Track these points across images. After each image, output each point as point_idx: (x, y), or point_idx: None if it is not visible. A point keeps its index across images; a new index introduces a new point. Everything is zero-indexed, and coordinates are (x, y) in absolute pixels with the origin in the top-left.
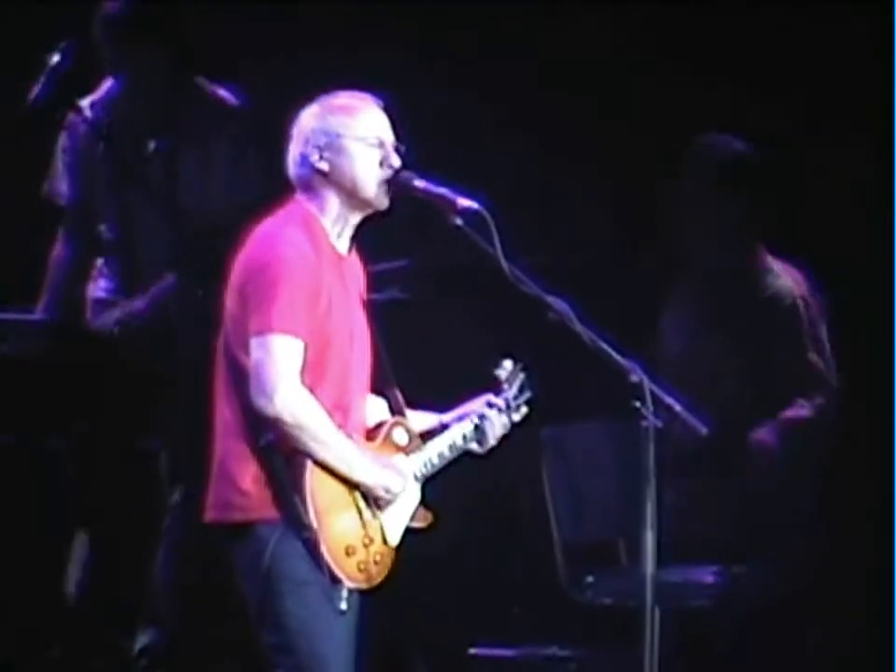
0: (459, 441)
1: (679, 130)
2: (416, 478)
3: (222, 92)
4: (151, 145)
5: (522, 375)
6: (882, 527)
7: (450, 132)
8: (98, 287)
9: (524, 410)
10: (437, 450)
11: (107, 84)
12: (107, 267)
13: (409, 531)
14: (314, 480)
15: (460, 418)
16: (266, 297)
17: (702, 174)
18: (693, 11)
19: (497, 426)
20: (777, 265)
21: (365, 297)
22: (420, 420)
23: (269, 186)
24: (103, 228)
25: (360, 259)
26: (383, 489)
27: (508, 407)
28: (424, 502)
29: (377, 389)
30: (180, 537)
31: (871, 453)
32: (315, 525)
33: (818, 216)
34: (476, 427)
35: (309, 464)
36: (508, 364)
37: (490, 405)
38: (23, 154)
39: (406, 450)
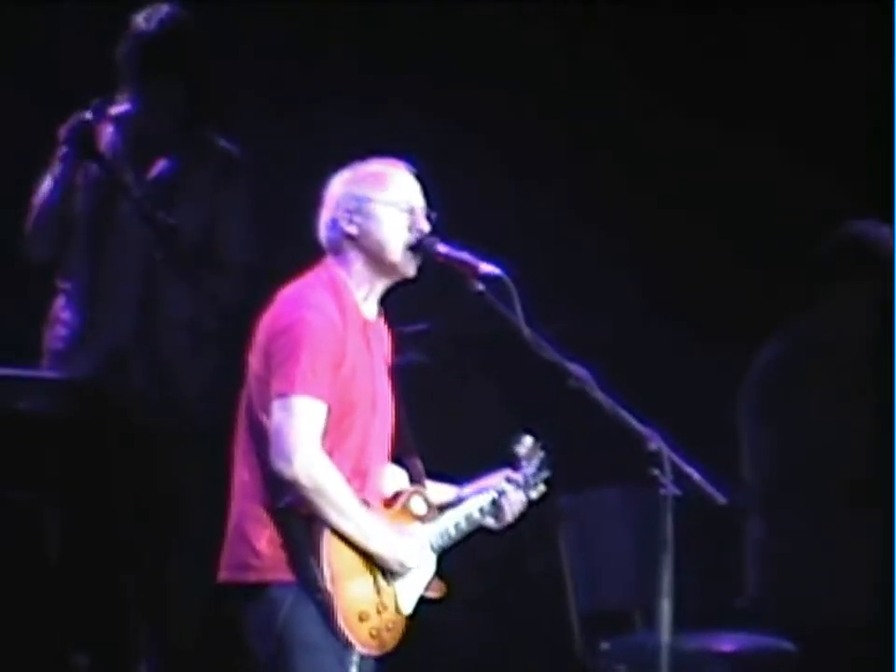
0: (476, 514)
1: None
2: (433, 548)
3: (229, 144)
4: (151, 176)
5: (541, 453)
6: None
7: (474, 197)
8: (56, 336)
9: (542, 488)
10: (454, 521)
11: (120, 108)
12: (66, 310)
13: (422, 600)
14: (331, 544)
15: (478, 492)
16: (290, 358)
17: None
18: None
19: (514, 502)
20: None
21: (390, 362)
22: (437, 491)
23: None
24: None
25: (387, 324)
26: (398, 564)
27: (526, 484)
28: (439, 572)
29: (398, 457)
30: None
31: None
32: (330, 588)
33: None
34: (493, 501)
35: (327, 528)
36: (528, 441)
37: (508, 480)
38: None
39: (423, 519)
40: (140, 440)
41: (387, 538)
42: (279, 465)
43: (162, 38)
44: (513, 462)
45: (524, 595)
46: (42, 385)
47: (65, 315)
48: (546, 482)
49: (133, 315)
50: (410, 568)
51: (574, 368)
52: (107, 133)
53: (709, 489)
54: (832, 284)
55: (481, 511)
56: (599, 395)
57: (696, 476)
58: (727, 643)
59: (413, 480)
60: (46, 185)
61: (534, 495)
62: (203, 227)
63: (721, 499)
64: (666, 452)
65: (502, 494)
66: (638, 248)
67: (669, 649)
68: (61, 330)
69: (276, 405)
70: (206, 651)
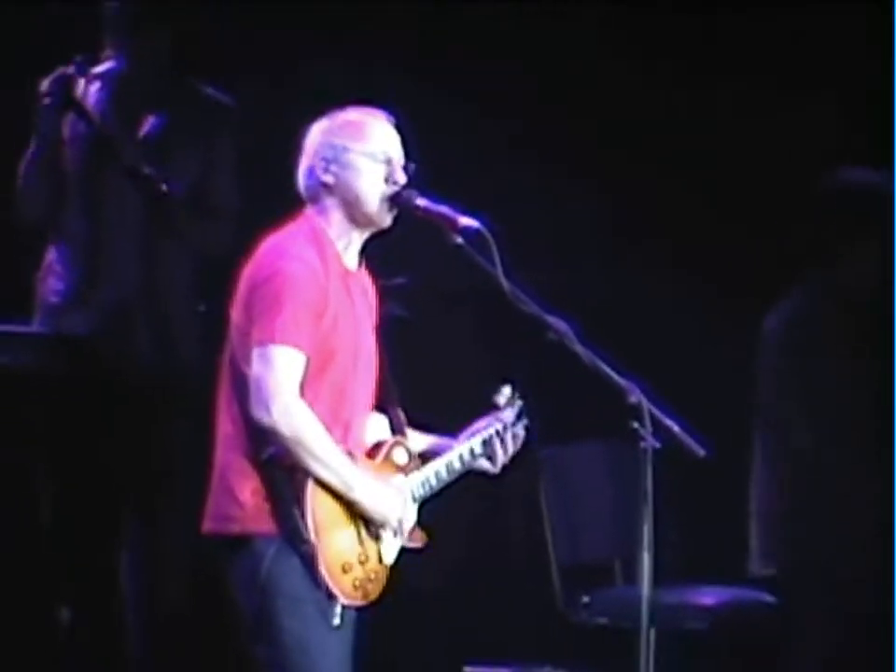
0: (460, 461)
1: (684, 141)
2: (414, 498)
3: (218, 93)
4: (141, 133)
5: (519, 402)
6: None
7: (454, 149)
8: (49, 290)
9: (521, 436)
10: (434, 470)
11: (105, 65)
12: (60, 264)
13: (404, 550)
14: (314, 495)
15: (467, 437)
16: (270, 309)
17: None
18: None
19: (506, 442)
20: None
21: (375, 313)
22: (419, 440)
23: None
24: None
25: (371, 276)
26: (380, 514)
27: (505, 430)
28: (420, 522)
29: (380, 407)
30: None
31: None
32: (314, 540)
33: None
34: (484, 442)
35: (310, 479)
36: (506, 390)
37: (497, 422)
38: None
39: (405, 469)
40: (136, 398)
41: (370, 487)
42: (258, 414)
43: None
44: (493, 411)
45: (504, 549)
46: (31, 341)
47: (60, 270)
48: (526, 430)
49: (132, 271)
50: (392, 519)
51: (553, 321)
52: (93, 90)
53: (690, 442)
54: (843, 236)
55: (471, 454)
56: (579, 348)
57: (676, 429)
58: (708, 596)
59: (394, 430)
60: (32, 142)
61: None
62: (197, 177)
63: (700, 452)
64: (646, 404)
65: (490, 436)
66: (619, 200)
67: (650, 602)
68: (56, 285)
69: (256, 355)
70: (195, 605)
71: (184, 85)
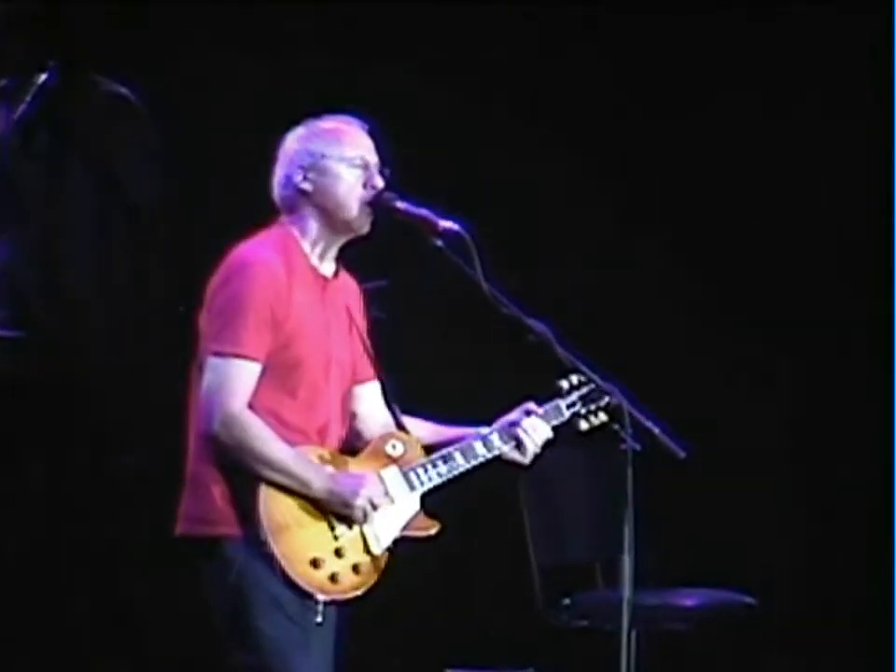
0: (469, 454)
1: (670, 152)
2: (412, 486)
3: (115, 85)
4: (39, 144)
5: (590, 385)
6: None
7: (433, 153)
8: None
9: (601, 417)
10: (443, 457)
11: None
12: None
13: (413, 540)
14: (267, 498)
15: (497, 427)
16: (224, 318)
17: None
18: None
19: (534, 432)
20: None
21: (360, 317)
22: (435, 432)
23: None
24: None
25: (355, 281)
26: (341, 505)
27: (577, 414)
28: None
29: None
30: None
31: (871, 455)
32: (270, 541)
33: (815, 215)
34: (508, 433)
35: (262, 483)
36: (573, 376)
37: (528, 413)
38: None
39: (400, 461)
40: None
41: (325, 482)
42: (202, 425)
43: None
44: (557, 394)
45: (484, 551)
46: None
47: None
48: (606, 409)
49: (39, 268)
50: (355, 509)
51: (534, 323)
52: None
53: (670, 444)
54: None
55: (485, 444)
56: (559, 350)
57: (657, 430)
58: (688, 598)
59: (397, 426)
60: None
61: (584, 425)
62: (99, 167)
63: (681, 454)
64: (627, 406)
65: (512, 425)
66: (598, 199)
67: (630, 603)
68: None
69: (207, 365)
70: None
71: (76, 80)
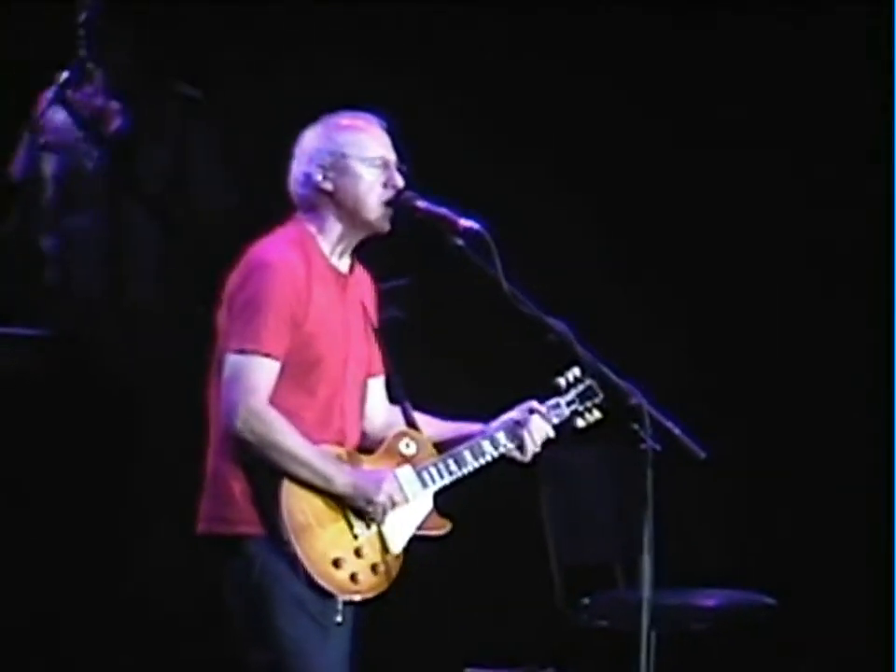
0: (478, 453)
1: (679, 151)
2: (424, 485)
3: (186, 87)
4: (110, 130)
5: (587, 381)
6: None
7: (448, 152)
8: (40, 294)
9: (596, 415)
10: (454, 456)
11: (71, 69)
12: (47, 268)
13: (424, 539)
14: (290, 495)
15: (500, 426)
16: (245, 317)
17: None
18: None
19: (534, 431)
20: None
21: (373, 314)
22: (445, 430)
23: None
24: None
25: (371, 278)
26: (363, 499)
27: (575, 412)
28: (439, 510)
29: (391, 402)
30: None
31: (870, 455)
32: (293, 539)
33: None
34: (509, 432)
35: (285, 480)
36: (572, 372)
37: (530, 411)
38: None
39: (413, 460)
40: (110, 393)
41: (349, 477)
42: (225, 422)
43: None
44: (555, 392)
45: (504, 551)
46: (18, 341)
47: (48, 275)
48: (599, 408)
49: (102, 268)
50: (378, 504)
51: (554, 322)
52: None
53: (690, 444)
54: None
55: (492, 442)
56: (579, 349)
57: (677, 431)
58: (708, 598)
59: (408, 424)
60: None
61: (581, 423)
62: (169, 169)
63: (701, 454)
64: (647, 406)
65: (517, 423)
66: (615, 200)
67: (650, 603)
68: (41, 286)
69: (227, 362)
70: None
71: (155, 83)
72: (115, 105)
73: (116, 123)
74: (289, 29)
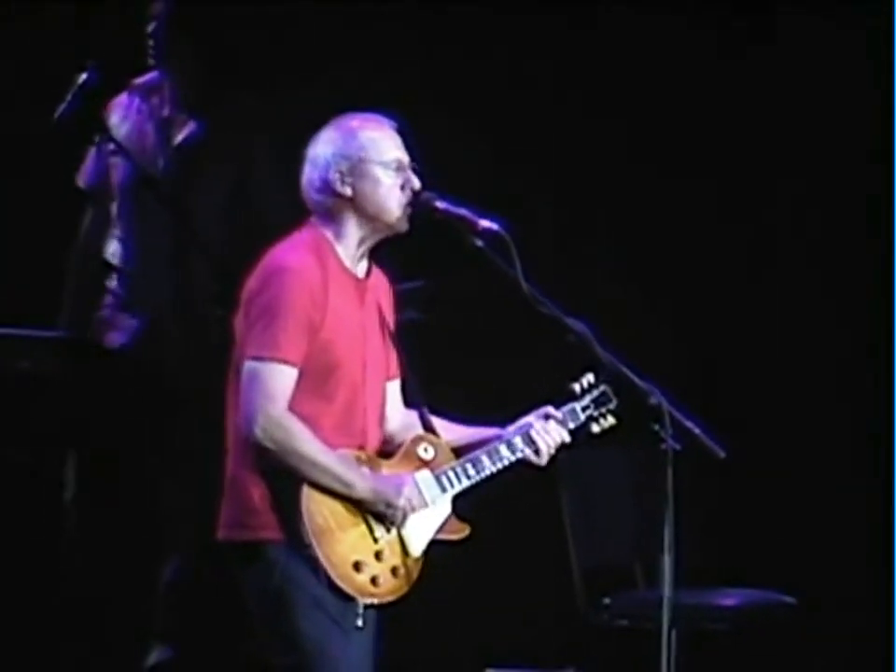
0: (495, 457)
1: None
2: (443, 489)
3: (252, 99)
4: (176, 141)
5: (601, 387)
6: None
7: (460, 152)
8: (105, 304)
9: (610, 420)
10: (471, 460)
11: (143, 77)
12: (115, 281)
13: (442, 543)
14: (310, 499)
15: (517, 430)
16: (261, 322)
17: None
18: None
19: (548, 436)
20: None
21: (390, 317)
22: (463, 434)
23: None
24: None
25: (387, 280)
26: (383, 504)
27: (590, 417)
28: (458, 514)
29: (408, 406)
30: (187, 552)
31: (870, 454)
32: (314, 543)
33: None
34: (525, 435)
35: (304, 485)
36: (587, 378)
37: (547, 417)
38: (46, 170)
39: (431, 464)
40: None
41: (369, 482)
42: (244, 429)
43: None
44: (570, 396)
45: (525, 551)
46: (46, 344)
47: (112, 284)
48: (614, 414)
49: (166, 286)
50: (399, 508)
51: (573, 323)
52: (130, 103)
53: (710, 443)
54: None
55: (509, 447)
56: (599, 350)
57: (697, 430)
58: (728, 598)
59: (425, 428)
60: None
61: (596, 428)
62: (234, 183)
63: (721, 454)
64: (666, 406)
65: (531, 427)
66: (625, 202)
67: (671, 603)
68: (108, 299)
69: (245, 368)
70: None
71: (217, 93)
72: (183, 114)
73: (184, 133)
74: (304, 34)
